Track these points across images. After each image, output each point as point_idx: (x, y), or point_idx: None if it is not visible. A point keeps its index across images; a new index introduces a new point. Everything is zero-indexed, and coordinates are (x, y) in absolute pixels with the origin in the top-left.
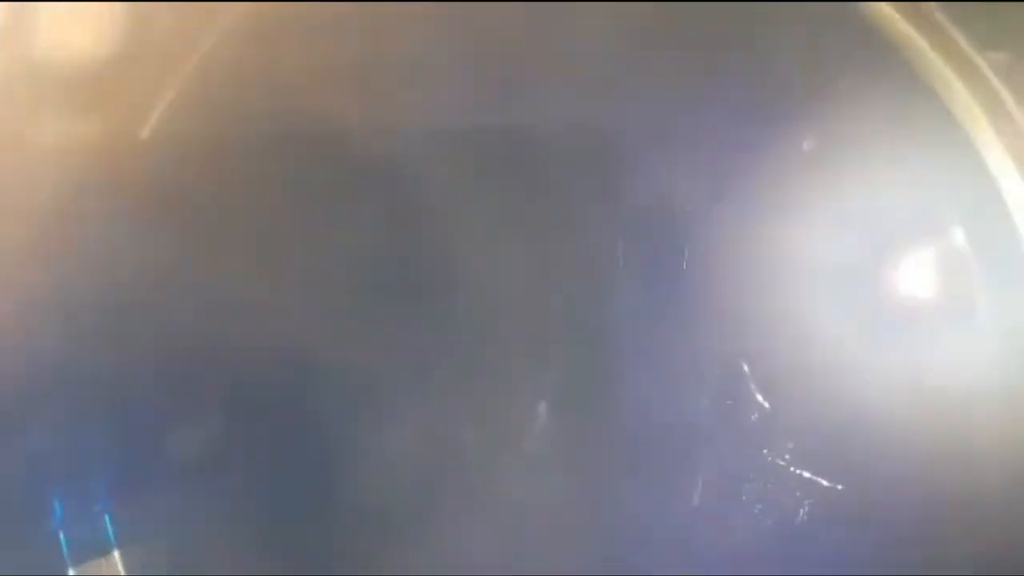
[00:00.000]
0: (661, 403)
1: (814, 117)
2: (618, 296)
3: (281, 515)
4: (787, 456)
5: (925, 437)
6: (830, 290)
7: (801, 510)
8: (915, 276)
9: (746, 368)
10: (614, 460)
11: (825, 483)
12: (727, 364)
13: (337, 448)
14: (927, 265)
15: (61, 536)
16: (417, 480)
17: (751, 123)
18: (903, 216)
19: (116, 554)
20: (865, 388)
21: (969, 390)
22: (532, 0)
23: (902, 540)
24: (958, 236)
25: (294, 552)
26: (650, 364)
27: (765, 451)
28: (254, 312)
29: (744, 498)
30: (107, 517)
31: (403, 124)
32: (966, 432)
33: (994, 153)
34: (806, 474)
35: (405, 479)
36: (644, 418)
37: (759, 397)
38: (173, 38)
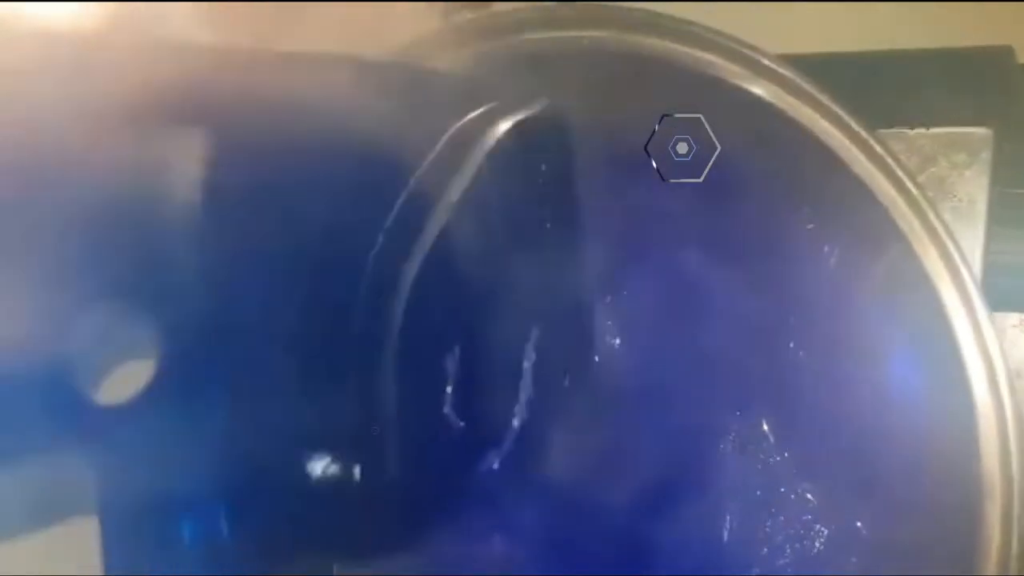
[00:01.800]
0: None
1: None
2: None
3: None
4: (805, 493)
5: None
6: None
7: (818, 541)
8: None
9: (764, 420)
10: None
11: (844, 517)
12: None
13: None
14: None
15: None
16: None
17: None
18: None
19: None
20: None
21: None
22: None
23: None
24: None
25: None
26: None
27: (783, 489)
28: None
29: (767, 530)
30: None
31: None
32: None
33: None
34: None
35: None
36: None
37: (774, 440)
38: None
